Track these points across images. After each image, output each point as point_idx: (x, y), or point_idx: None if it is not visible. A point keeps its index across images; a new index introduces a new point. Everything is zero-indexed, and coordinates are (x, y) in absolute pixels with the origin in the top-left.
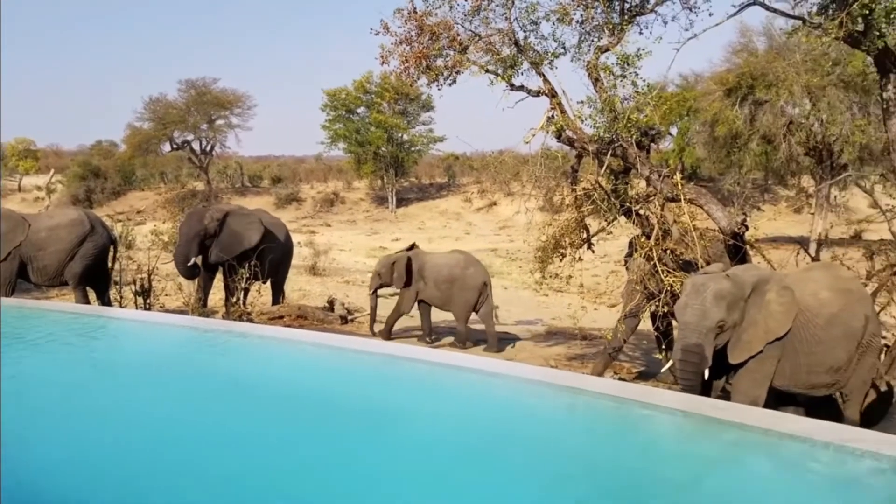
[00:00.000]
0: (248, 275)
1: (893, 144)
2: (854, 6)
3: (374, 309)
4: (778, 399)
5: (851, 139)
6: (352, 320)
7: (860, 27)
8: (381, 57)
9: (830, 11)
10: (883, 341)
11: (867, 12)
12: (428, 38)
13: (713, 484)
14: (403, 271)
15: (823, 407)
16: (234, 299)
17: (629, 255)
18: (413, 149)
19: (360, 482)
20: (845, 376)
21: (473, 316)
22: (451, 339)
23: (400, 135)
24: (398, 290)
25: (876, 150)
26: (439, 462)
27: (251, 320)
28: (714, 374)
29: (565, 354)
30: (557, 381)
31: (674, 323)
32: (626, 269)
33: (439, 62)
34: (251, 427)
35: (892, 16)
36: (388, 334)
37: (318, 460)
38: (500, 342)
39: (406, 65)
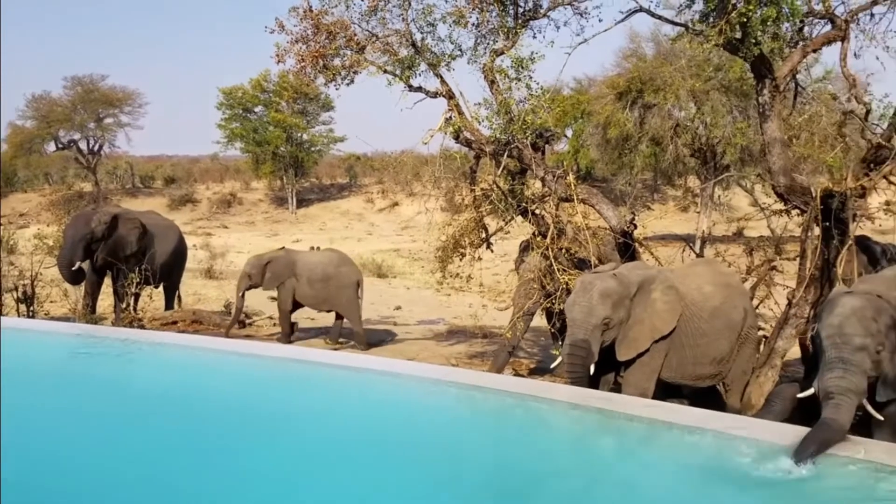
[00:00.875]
0: (138, 279)
1: (768, 147)
2: (732, 15)
3: (239, 311)
4: (665, 391)
5: (733, 141)
6: (250, 324)
7: (738, 35)
8: (277, 56)
9: (711, 19)
10: (761, 332)
11: (744, 21)
12: (324, 38)
13: (604, 473)
14: (280, 271)
15: (708, 397)
16: (123, 305)
17: (521, 254)
18: (313, 149)
19: (257, 486)
20: (727, 367)
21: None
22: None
23: (299, 134)
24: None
25: (755, 152)
26: (339, 464)
27: (143, 326)
28: (606, 369)
29: (466, 353)
30: (458, 380)
31: None
32: (518, 272)
33: (336, 62)
34: (142, 435)
35: (767, 24)
36: (287, 337)
37: (214, 467)
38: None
39: (302, 64)
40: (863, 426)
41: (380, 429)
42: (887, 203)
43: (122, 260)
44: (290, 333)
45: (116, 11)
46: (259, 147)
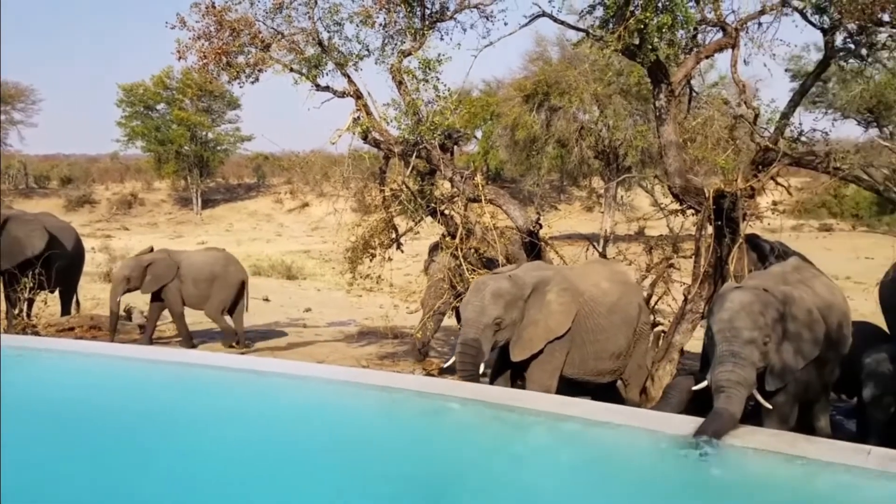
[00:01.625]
0: (31, 284)
1: (665, 149)
2: (630, 21)
3: (116, 316)
4: (570, 389)
5: (634, 143)
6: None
7: (636, 41)
8: (178, 52)
9: (611, 26)
10: (659, 328)
11: (642, 27)
12: (228, 35)
13: (511, 468)
14: (162, 273)
15: (608, 394)
16: (16, 311)
17: (431, 254)
18: (219, 148)
19: (161, 494)
20: (625, 362)
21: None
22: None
23: (204, 133)
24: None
25: (654, 154)
26: (246, 469)
27: (37, 333)
28: (507, 367)
29: (377, 354)
30: (368, 381)
31: None
32: (427, 272)
33: (240, 59)
34: (39, 446)
35: (662, 31)
36: (189, 340)
37: (114, 476)
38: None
39: (205, 61)
40: (754, 415)
41: (287, 433)
42: (774, 203)
43: (18, 264)
44: (190, 336)
45: (8, 3)
46: (161, 146)
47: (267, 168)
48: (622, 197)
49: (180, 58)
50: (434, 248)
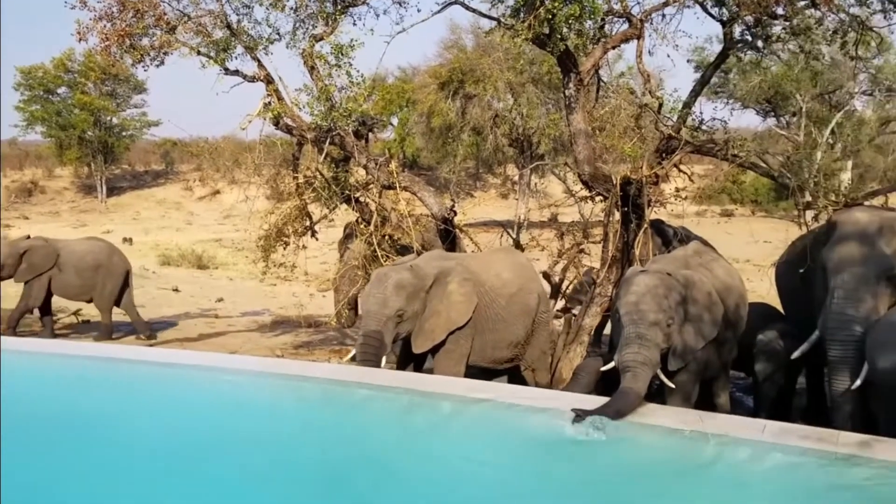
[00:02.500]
0: None
1: (574, 137)
2: (540, 11)
3: None
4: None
5: (547, 132)
6: (55, 321)
7: (546, 30)
8: (79, 33)
9: (521, 15)
10: (571, 312)
11: (551, 17)
12: (131, 16)
13: (428, 451)
14: (39, 262)
15: (516, 380)
16: None
17: (345, 241)
18: (124, 133)
19: (69, 491)
20: (524, 350)
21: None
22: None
23: (109, 118)
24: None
25: (566, 142)
26: (159, 463)
27: None
28: (410, 359)
29: (293, 343)
30: (283, 371)
31: None
32: (341, 255)
33: (145, 41)
34: None
35: (571, 21)
36: (13, 331)
37: (22, 473)
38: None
39: (107, 43)
40: (659, 394)
41: (197, 426)
42: (677, 189)
43: None
44: (15, 327)
45: None
46: (63, 131)
47: (176, 154)
48: (536, 184)
49: (81, 39)
50: (349, 234)
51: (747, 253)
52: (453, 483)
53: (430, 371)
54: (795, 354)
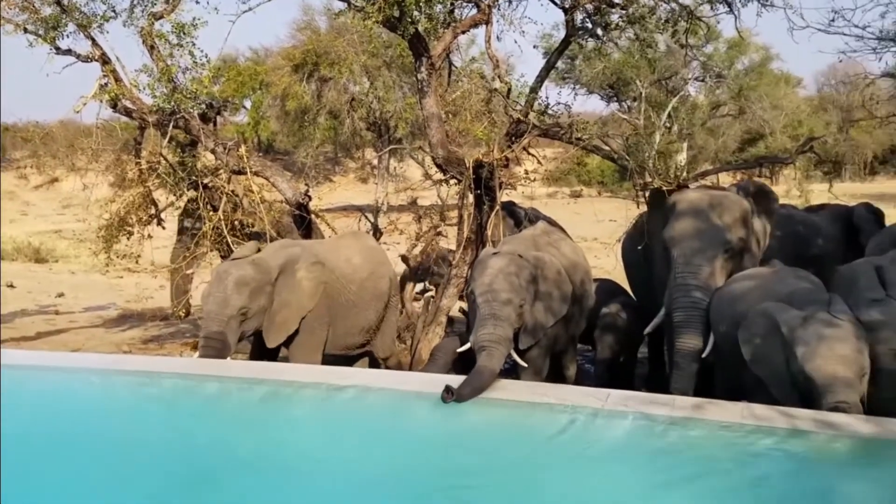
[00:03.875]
0: None
1: (427, 121)
2: None
3: None
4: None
5: (404, 115)
6: None
7: (396, 13)
8: None
9: None
10: (429, 294)
11: (401, 0)
12: None
13: (283, 440)
14: None
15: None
16: None
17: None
18: None
19: None
20: (375, 335)
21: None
22: None
23: None
24: None
25: (422, 125)
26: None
27: None
28: (264, 355)
29: (141, 338)
30: (128, 367)
31: None
32: (178, 242)
33: None
34: None
35: (420, 4)
36: None
37: None
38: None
39: None
40: (512, 369)
41: (35, 429)
42: (526, 172)
43: None
44: None
45: None
46: None
47: (7, 140)
48: (395, 168)
49: None
50: (184, 222)
51: (594, 232)
52: (315, 472)
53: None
54: (647, 330)
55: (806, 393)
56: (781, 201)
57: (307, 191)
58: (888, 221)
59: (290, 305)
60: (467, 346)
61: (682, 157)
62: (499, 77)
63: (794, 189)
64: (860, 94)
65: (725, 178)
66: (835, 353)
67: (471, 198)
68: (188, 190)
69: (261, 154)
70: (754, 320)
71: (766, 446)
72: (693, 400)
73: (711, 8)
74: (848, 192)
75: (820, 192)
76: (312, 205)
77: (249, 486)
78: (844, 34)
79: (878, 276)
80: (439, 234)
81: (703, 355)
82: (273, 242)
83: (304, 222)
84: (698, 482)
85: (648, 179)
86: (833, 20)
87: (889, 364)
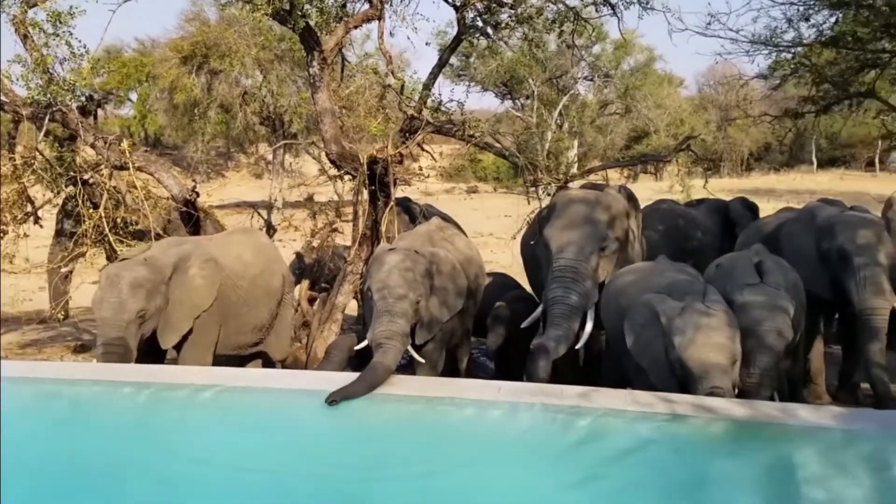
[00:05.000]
0: None
1: (320, 116)
2: None
3: None
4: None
5: (299, 110)
6: None
7: (287, 6)
8: None
9: None
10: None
11: None
12: None
13: (177, 444)
14: None
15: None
16: None
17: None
18: None
19: None
20: (268, 334)
21: None
22: None
23: None
24: None
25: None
26: None
27: None
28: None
29: (18, 342)
30: (9, 373)
31: None
32: (55, 241)
33: None
34: None
35: None
36: None
37: None
38: None
39: None
40: (409, 364)
41: None
42: (420, 168)
43: None
44: None
45: None
46: None
47: None
48: (290, 164)
49: None
50: (62, 221)
51: (490, 227)
52: (206, 476)
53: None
54: (525, 324)
55: (683, 380)
56: (664, 197)
57: (194, 187)
58: (762, 214)
59: (182, 304)
60: (364, 343)
61: (572, 154)
62: (392, 73)
63: (676, 185)
64: (735, 94)
65: (613, 175)
66: (709, 342)
67: (365, 194)
68: (67, 186)
69: (148, 149)
70: (636, 311)
71: (649, 431)
72: (580, 389)
73: (596, 10)
74: (726, 187)
75: (701, 188)
76: (201, 201)
77: (138, 491)
78: (720, 37)
79: (755, 266)
80: (335, 230)
81: (577, 346)
82: (161, 241)
83: (191, 219)
84: (587, 469)
85: (539, 176)
86: (709, 24)
87: (759, 343)
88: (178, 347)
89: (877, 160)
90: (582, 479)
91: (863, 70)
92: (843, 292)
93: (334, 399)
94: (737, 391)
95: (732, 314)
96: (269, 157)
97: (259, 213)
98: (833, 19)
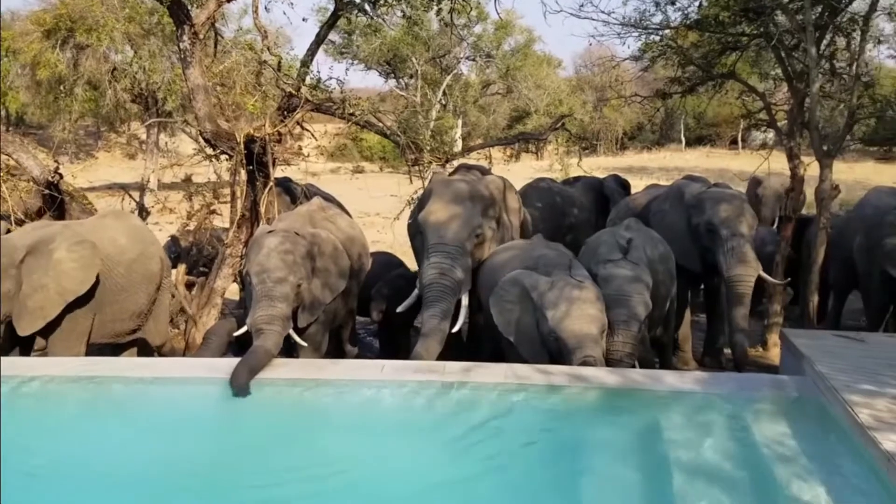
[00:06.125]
0: None
1: (193, 93)
2: None
3: None
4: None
5: (173, 87)
6: None
7: None
8: None
9: None
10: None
11: None
12: None
13: (45, 439)
14: None
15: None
16: None
17: None
18: None
19: None
20: (146, 320)
21: None
22: None
23: None
24: None
25: None
26: None
27: None
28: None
29: None
30: None
31: None
32: None
33: None
34: None
35: None
36: None
37: None
38: None
39: None
40: (294, 347)
41: None
42: (300, 148)
43: None
44: None
45: None
46: None
47: None
48: (166, 143)
49: None
50: None
51: (376, 207)
52: (80, 468)
53: (44, 355)
54: (400, 308)
55: (555, 352)
56: (544, 175)
57: (57, 168)
58: (634, 191)
59: (47, 289)
60: (244, 329)
61: (457, 134)
62: (268, 49)
63: (556, 163)
64: (609, 75)
65: (497, 154)
66: (582, 314)
67: (243, 174)
68: None
69: (9, 128)
70: (505, 287)
71: (528, 402)
72: (461, 364)
73: None
74: (602, 165)
75: (581, 166)
76: (67, 183)
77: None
78: (593, 19)
79: (618, 242)
80: (212, 212)
81: (454, 330)
82: (26, 225)
83: (55, 203)
84: (472, 441)
85: (421, 155)
86: (582, 6)
87: (621, 313)
88: (44, 336)
89: (739, 138)
90: (465, 453)
91: (725, 52)
92: (711, 263)
93: (237, 385)
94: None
95: (597, 286)
96: (143, 136)
97: (130, 196)
98: (697, 3)
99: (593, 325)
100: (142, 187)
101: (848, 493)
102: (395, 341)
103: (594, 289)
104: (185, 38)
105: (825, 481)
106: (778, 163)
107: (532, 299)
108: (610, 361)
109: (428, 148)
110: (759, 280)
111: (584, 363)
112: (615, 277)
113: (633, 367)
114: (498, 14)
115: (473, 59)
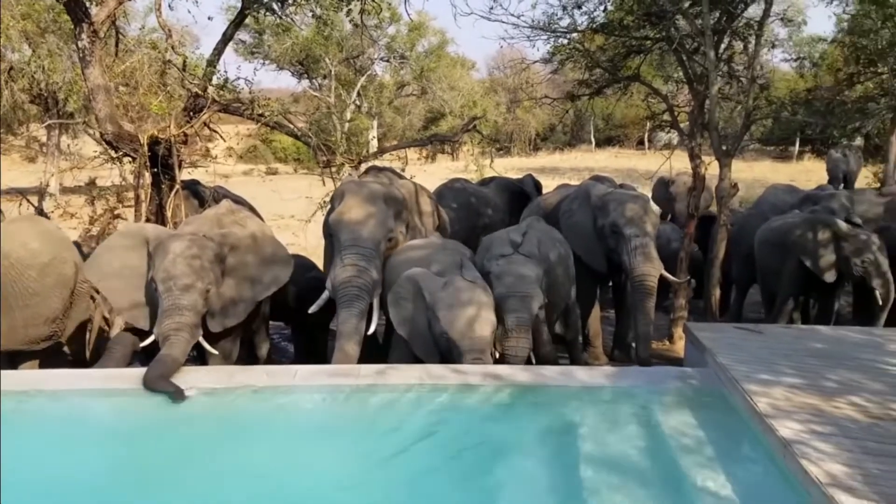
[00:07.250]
0: None
1: (92, 94)
2: None
3: None
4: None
5: (75, 87)
6: None
7: None
8: None
9: None
10: None
11: None
12: None
13: None
14: None
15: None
16: None
17: None
18: None
19: None
20: (62, 325)
21: None
22: None
23: None
24: None
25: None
26: None
27: None
28: None
29: None
30: None
31: None
32: None
33: None
34: None
35: None
36: None
37: None
38: None
39: None
40: (202, 356)
41: None
42: (207, 150)
43: None
44: None
45: None
46: None
47: None
48: (69, 145)
49: None
50: None
51: (291, 209)
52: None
53: None
54: (312, 309)
55: (446, 352)
56: (460, 176)
57: None
58: (546, 191)
59: None
60: (150, 339)
61: (372, 135)
62: (173, 48)
63: (471, 164)
64: (520, 77)
65: (412, 155)
66: (471, 316)
67: (148, 177)
68: None
69: None
70: (401, 284)
71: (443, 402)
72: (375, 367)
73: None
74: (516, 165)
75: (494, 167)
76: None
77: None
78: (503, 22)
79: (510, 238)
80: (116, 216)
81: (369, 332)
82: None
83: None
84: (389, 444)
85: (333, 157)
86: (492, 8)
87: (512, 308)
88: None
89: (646, 139)
90: (386, 457)
91: (630, 56)
92: (616, 262)
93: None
94: (497, 355)
95: (487, 288)
96: (43, 138)
97: (28, 200)
98: (603, 7)
99: (484, 328)
100: (41, 191)
101: (748, 479)
102: (311, 345)
103: (485, 290)
104: (83, 36)
105: (727, 468)
106: (681, 162)
107: (424, 299)
108: (505, 360)
109: (340, 150)
110: (663, 277)
111: (474, 363)
112: (506, 274)
113: (530, 363)
114: (408, 15)
115: (387, 61)
